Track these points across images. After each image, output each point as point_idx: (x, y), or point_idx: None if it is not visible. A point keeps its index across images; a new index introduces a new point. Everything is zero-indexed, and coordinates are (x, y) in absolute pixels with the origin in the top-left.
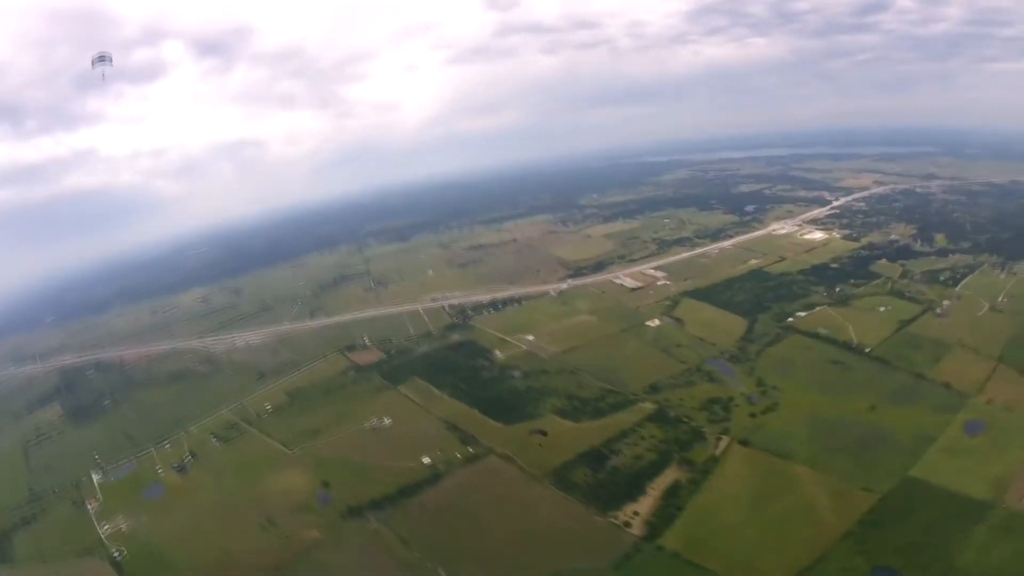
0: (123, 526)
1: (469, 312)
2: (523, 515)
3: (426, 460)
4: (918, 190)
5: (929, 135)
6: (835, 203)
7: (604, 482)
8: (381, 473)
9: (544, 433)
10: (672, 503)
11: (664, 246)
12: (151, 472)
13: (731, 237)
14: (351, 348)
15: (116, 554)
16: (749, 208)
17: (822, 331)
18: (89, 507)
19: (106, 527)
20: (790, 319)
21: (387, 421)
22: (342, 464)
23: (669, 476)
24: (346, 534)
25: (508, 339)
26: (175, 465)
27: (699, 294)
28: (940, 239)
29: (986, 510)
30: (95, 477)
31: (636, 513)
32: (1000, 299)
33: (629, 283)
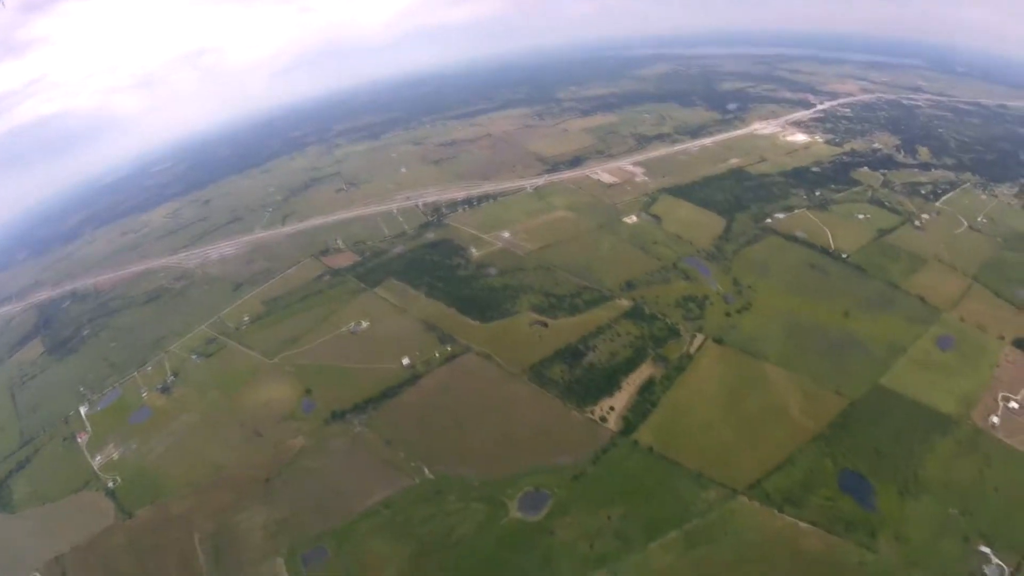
0: (114, 455)
1: (444, 210)
2: (502, 412)
3: (405, 361)
4: (904, 102)
5: (919, 48)
6: (819, 107)
7: (580, 378)
8: (362, 376)
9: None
10: (647, 398)
11: (643, 142)
12: (136, 397)
13: (712, 135)
14: (325, 252)
15: (111, 484)
16: (731, 106)
17: (800, 234)
18: (79, 441)
19: (98, 458)
20: (768, 220)
21: (365, 324)
22: (323, 370)
23: (644, 372)
24: (331, 439)
25: (483, 236)
26: (159, 387)
27: (677, 191)
28: (924, 153)
29: (952, 425)
30: (82, 410)
31: (612, 408)
32: (980, 219)
33: (607, 179)
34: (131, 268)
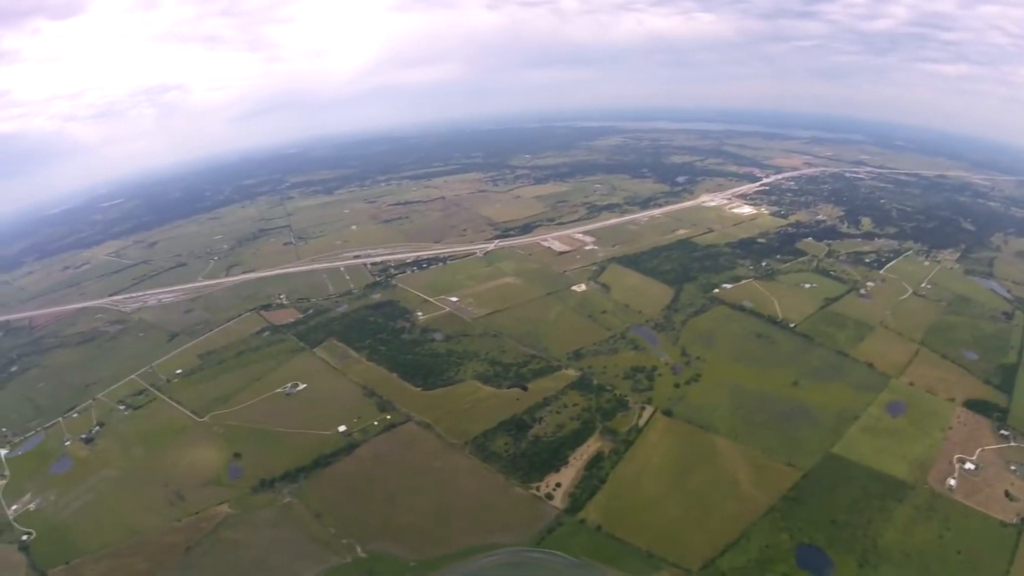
0: (31, 505)
1: (392, 270)
2: (442, 486)
3: (342, 428)
4: (847, 175)
5: (860, 125)
6: (765, 180)
7: (526, 451)
8: (294, 442)
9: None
10: (595, 474)
11: (594, 211)
12: (58, 444)
13: (661, 206)
14: (267, 307)
15: (24, 537)
16: (680, 179)
17: (747, 304)
18: None
19: (14, 507)
20: (716, 290)
21: (302, 386)
22: (254, 433)
23: (592, 446)
24: (257, 509)
25: (431, 300)
26: (83, 436)
27: (626, 261)
28: (866, 223)
29: (908, 490)
30: (1, 452)
31: (558, 484)
32: (923, 285)
33: (557, 246)
34: (69, 305)
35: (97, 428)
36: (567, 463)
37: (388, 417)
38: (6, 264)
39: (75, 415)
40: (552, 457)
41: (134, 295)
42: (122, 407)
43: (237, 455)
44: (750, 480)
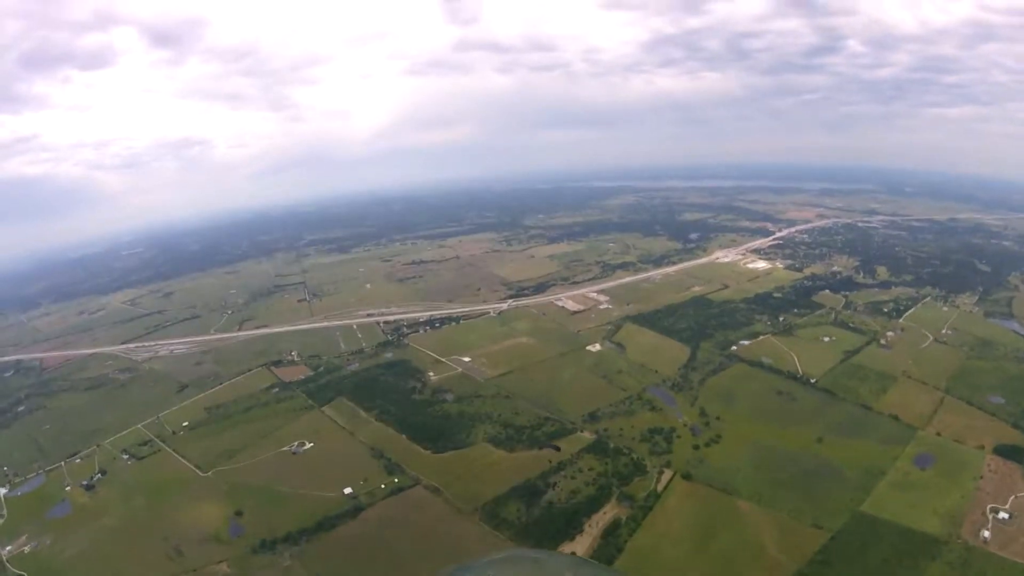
0: (26, 548)
1: (405, 329)
2: (449, 554)
3: (347, 490)
4: (859, 224)
5: (869, 174)
6: (778, 234)
7: (538, 519)
8: (298, 503)
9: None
10: (612, 542)
11: (608, 270)
12: (59, 488)
13: (674, 263)
14: (278, 363)
15: None
16: (693, 236)
17: (766, 360)
18: None
19: (8, 548)
20: (733, 347)
21: (308, 445)
22: (257, 491)
23: (608, 512)
24: (257, 570)
25: (443, 360)
26: (84, 482)
27: (641, 319)
28: (882, 272)
29: (941, 546)
30: (1, 491)
31: (573, 553)
32: (944, 331)
33: (571, 306)
34: (80, 350)
35: (99, 475)
36: (582, 531)
37: (396, 480)
38: (23, 304)
39: (78, 460)
40: (567, 524)
41: (146, 344)
42: (126, 456)
43: (239, 513)
44: (776, 544)
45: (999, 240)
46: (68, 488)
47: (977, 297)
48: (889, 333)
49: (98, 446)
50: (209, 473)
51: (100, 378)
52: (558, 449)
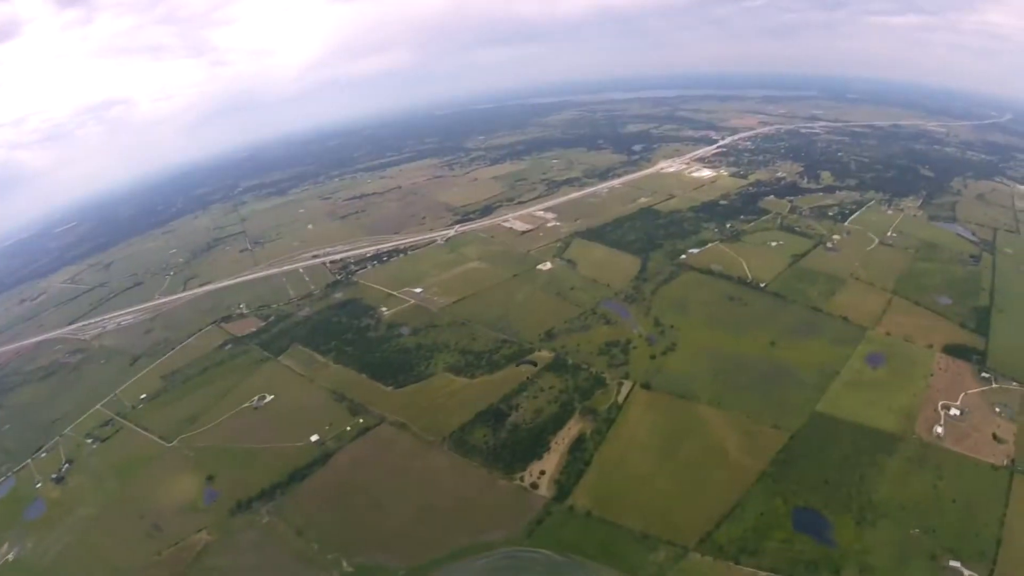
0: (10, 556)
1: (352, 267)
2: (423, 488)
3: (314, 437)
4: (802, 131)
5: (812, 81)
6: (721, 142)
7: (506, 441)
8: (268, 457)
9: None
10: (579, 457)
11: (553, 187)
12: (30, 487)
13: (620, 176)
14: (227, 319)
15: None
16: (637, 147)
17: (716, 267)
18: None
19: None
20: (683, 256)
21: (269, 398)
22: (225, 452)
23: (573, 428)
24: (237, 532)
25: (395, 293)
26: (53, 476)
27: (590, 234)
28: (826, 177)
29: (897, 442)
30: None
31: (543, 472)
32: (889, 234)
33: (519, 226)
34: (28, 340)
35: (67, 466)
36: (549, 449)
37: (361, 421)
38: None
39: (44, 455)
40: (533, 444)
41: (93, 321)
42: (90, 440)
43: (210, 478)
44: (738, 447)
45: (941, 146)
46: (39, 485)
47: (921, 201)
48: (835, 236)
49: (61, 436)
50: (174, 442)
51: (52, 365)
52: (534, 364)
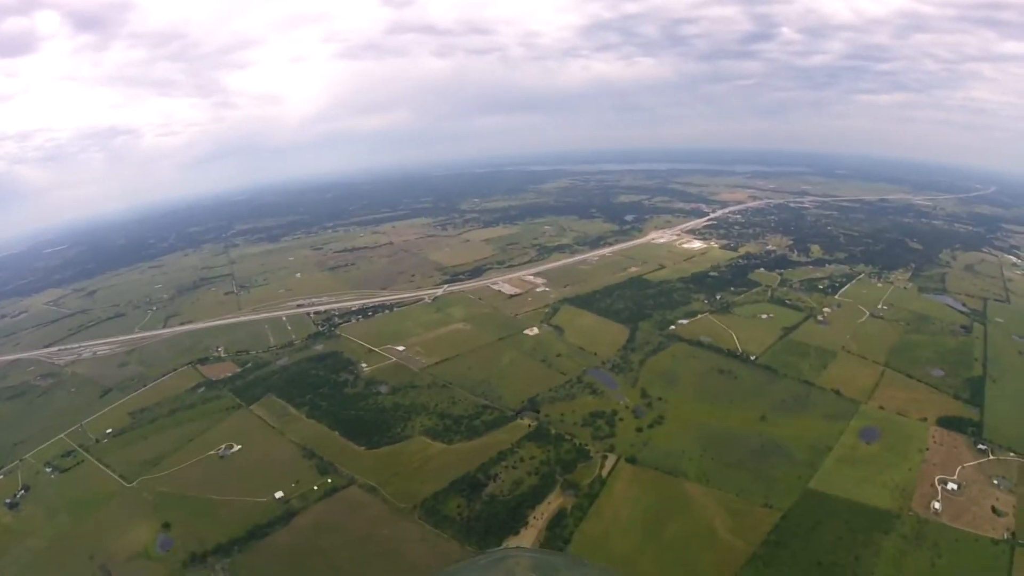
0: None
1: (336, 319)
2: (389, 558)
3: (279, 494)
4: (792, 205)
5: (801, 157)
6: (712, 215)
7: (481, 513)
8: (228, 510)
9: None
10: (558, 534)
11: (544, 252)
12: None
13: (611, 245)
14: (204, 360)
15: None
16: (628, 217)
17: (705, 339)
18: None
19: None
20: (672, 327)
21: (237, 447)
22: (185, 500)
23: (553, 503)
24: None
25: (376, 350)
26: (8, 501)
27: (579, 301)
28: (816, 250)
29: (893, 520)
30: None
31: (519, 548)
32: (880, 306)
33: (507, 289)
34: (2, 356)
35: (23, 492)
36: (527, 524)
37: (329, 480)
38: None
39: (1, 477)
40: (510, 518)
41: (69, 347)
42: (49, 470)
43: (167, 525)
44: (727, 527)
45: (929, 219)
46: None
47: (910, 273)
48: (826, 309)
49: (21, 460)
50: (134, 483)
51: (22, 386)
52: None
